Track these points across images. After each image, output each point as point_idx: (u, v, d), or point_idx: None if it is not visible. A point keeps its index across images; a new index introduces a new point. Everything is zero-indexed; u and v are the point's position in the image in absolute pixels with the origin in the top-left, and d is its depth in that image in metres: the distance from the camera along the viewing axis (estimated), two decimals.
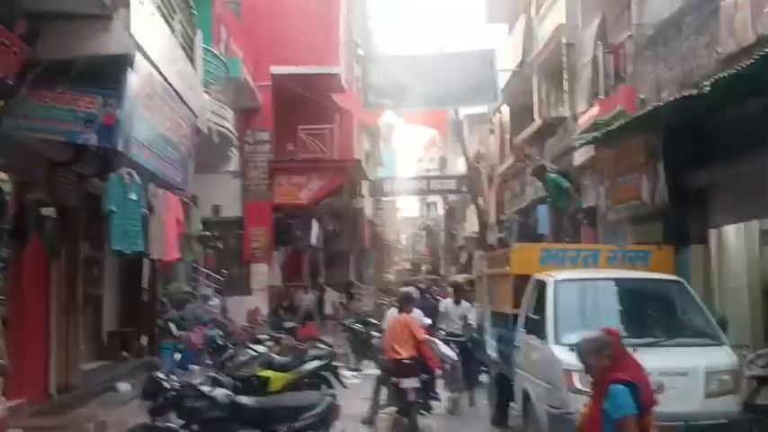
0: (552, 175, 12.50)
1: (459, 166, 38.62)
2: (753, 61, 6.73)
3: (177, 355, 11.63)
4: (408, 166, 61.08)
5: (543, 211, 19.38)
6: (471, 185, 28.06)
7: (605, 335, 4.45)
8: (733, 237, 11.26)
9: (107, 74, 7.39)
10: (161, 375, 7.08)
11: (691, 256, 11.14)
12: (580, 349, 4.46)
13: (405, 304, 10.03)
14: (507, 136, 25.77)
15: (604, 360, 4.33)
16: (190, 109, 10.31)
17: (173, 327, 12.41)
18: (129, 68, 7.46)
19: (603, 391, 4.23)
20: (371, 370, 15.83)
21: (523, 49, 21.63)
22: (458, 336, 11.80)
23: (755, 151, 9.34)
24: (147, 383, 7.08)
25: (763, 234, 10.82)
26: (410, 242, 69.89)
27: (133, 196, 7.77)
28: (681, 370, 7.17)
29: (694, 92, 7.85)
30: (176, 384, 6.91)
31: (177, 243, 9.88)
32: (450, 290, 23.51)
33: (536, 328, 7.98)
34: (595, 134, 11.44)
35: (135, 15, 7.42)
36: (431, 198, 58.63)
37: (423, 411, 9.78)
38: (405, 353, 9.41)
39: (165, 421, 6.87)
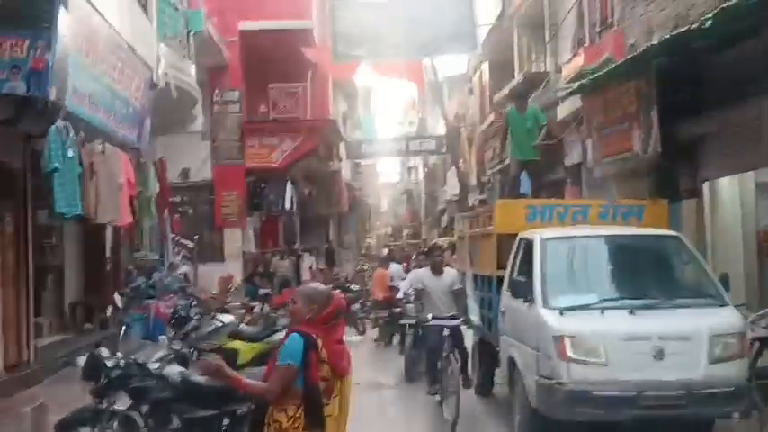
0: (534, 106, 11.43)
1: (439, 129, 37.85)
2: None
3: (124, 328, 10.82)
4: (387, 129, 60.19)
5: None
6: (452, 146, 27.31)
7: (330, 296, 4.14)
8: (727, 189, 10.69)
9: (35, 13, 6.52)
10: (104, 353, 6.34)
11: (682, 211, 10.55)
12: (300, 289, 4.27)
13: (382, 263, 16.40)
14: (488, 94, 25.02)
15: (306, 311, 3.98)
16: (142, 60, 9.43)
17: (117, 299, 11.63)
18: (62, 6, 6.59)
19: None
20: (351, 336, 15.28)
21: (502, 1, 20.81)
22: (452, 317, 8.94)
23: (751, 98, 8.72)
24: (88, 362, 6.33)
25: (758, 186, 10.27)
26: (391, 207, 69.27)
27: (70, 153, 6.93)
28: (683, 334, 6.54)
29: (694, 26, 7.10)
30: (121, 362, 6.16)
31: (129, 206, 9.04)
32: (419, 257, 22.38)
33: (523, 290, 7.31)
34: (582, 81, 10.70)
35: None
36: (411, 162, 57.94)
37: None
38: (380, 294, 14.98)
39: (111, 403, 6.15)
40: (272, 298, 15.44)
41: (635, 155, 9.94)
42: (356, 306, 17.02)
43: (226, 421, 6.01)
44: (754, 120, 8.94)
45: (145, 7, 10.24)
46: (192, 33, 13.49)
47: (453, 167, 30.48)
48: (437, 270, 9.39)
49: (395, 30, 13.57)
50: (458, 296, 9.27)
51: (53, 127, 6.77)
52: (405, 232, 63.68)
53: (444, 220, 42.69)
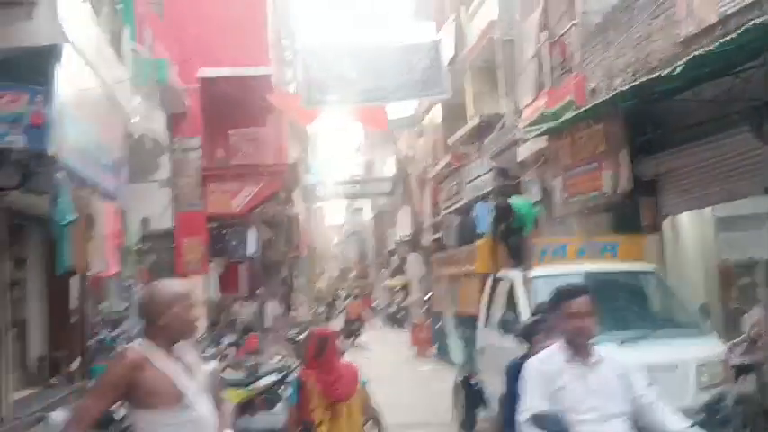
0: (522, 205, 9.55)
1: (386, 171, 38.23)
2: (743, 31, 6.40)
3: None
4: (335, 172, 60.38)
5: (483, 210, 19.12)
6: (405, 187, 27.70)
7: (307, 337, 5.38)
8: (687, 225, 11.17)
9: (32, 69, 6.57)
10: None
11: (644, 246, 10.98)
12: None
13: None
14: (440, 136, 25.53)
15: (306, 354, 5.13)
16: (121, 109, 9.50)
17: None
18: (57, 62, 6.66)
19: None
20: None
21: (455, 46, 21.41)
22: None
23: (708, 138, 9.25)
24: None
25: (717, 221, 10.77)
26: (339, 249, 69.27)
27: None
28: (672, 363, 6.86)
29: (665, 73, 7.56)
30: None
31: (115, 256, 9.01)
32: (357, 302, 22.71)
33: (513, 327, 7.51)
34: (551, 124, 11.13)
35: (61, 2, 6.66)
36: (357, 204, 58.18)
37: None
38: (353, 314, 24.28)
39: None
40: (241, 345, 15.33)
41: (604, 194, 10.35)
42: None
43: None
44: (711, 158, 9.47)
45: (119, 54, 10.30)
46: (158, 82, 13.55)
47: (405, 207, 30.87)
48: None
49: (365, 76, 13.90)
50: None
51: (59, 176, 6.78)
52: (351, 274, 63.65)
53: (395, 260, 42.91)
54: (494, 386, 8.30)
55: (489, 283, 9.24)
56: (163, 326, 3.31)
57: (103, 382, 3.25)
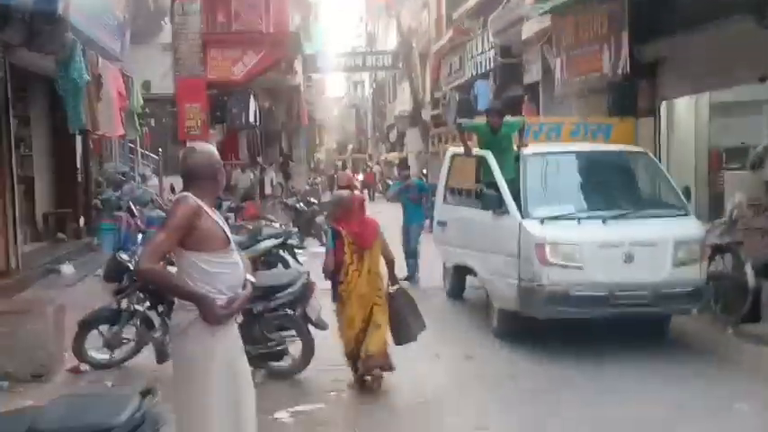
0: (508, 122, 8.72)
1: (389, 43, 37.65)
2: None
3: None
4: (336, 43, 59.52)
5: (484, 87, 19.16)
6: (405, 60, 27.38)
7: (346, 196, 6.65)
8: (683, 109, 11.32)
9: None
10: (124, 256, 6.71)
11: (639, 128, 11.18)
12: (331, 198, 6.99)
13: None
14: (444, 9, 25.09)
15: (338, 212, 6.54)
16: None
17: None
18: None
19: None
20: (316, 248, 15.74)
21: None
22: None
23: (709, 23, 9.26)
24: (110, 265, 6.72)
25: (713, 107, 10.92)
26: (339, 121, 69.10)
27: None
28: (651, 240, 7.22)
29: None
30: None
31: (120, 118, 9.19)
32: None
33: (491, 202, 7.84)
34: (556, 3, 11.05)
35: None
36: (357, 77, 57.54)
37: None
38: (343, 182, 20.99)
39: (130, 303, 6.58)
40: (241, 210, 15.74)
41: (604, 75, 10.43)
42: (320, 218, 17.47)
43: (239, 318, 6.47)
44: (711, 44, 9.51)
45: None
46: None
47: (405, 82, 30.62)
48: None
49: None
50: None
51: (76, 41, 6.84)
52: (349, 147, 63.82)
53: (393, 135, 42.99)
54: (455, 257, 9.10)
55: (447, 160, 9.60)
56: (212, 182, 3.64)
57: (173, 221, 3.48)
